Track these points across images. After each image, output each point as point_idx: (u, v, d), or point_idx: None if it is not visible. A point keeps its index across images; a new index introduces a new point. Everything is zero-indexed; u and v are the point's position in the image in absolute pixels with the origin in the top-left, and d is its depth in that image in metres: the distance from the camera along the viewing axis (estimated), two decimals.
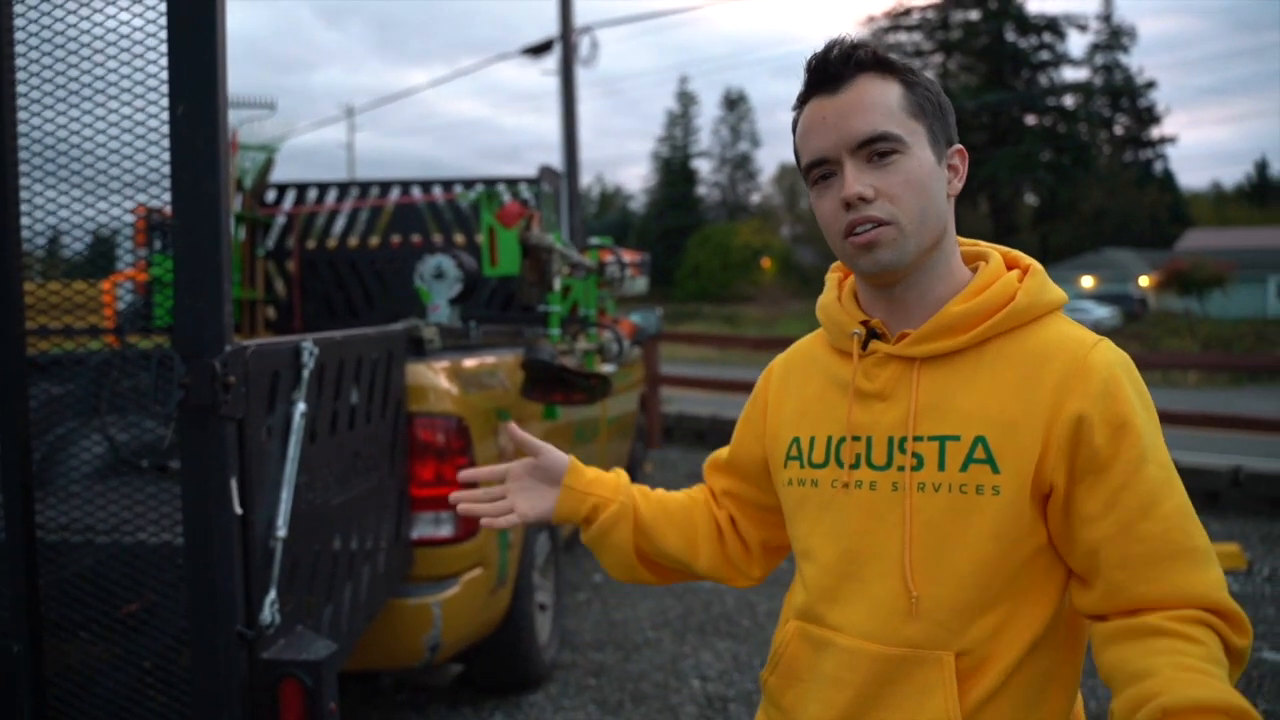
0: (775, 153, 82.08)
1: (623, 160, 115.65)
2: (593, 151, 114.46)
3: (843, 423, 1.32)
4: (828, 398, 1.37)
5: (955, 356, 1.27)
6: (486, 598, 3.39)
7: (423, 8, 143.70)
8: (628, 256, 4.97)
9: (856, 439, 1.31)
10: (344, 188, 5.99)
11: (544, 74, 18.55)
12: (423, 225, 5.85)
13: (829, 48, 1.28)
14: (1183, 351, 26.49)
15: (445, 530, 3.15)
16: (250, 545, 2.06)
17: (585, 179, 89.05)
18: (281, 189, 5.99)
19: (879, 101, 1.25)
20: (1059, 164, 52.36)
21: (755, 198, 79.89)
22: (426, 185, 5.92)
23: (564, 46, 17.58)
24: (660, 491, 1.60)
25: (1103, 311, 39.54)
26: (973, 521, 1.22)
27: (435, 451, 3.11)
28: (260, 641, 2.08)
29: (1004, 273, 1.31)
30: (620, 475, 1.58)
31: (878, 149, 1.24)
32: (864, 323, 1.34)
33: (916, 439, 1.26)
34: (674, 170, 76.46)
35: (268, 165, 5.83)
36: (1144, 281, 46.33)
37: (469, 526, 3.20)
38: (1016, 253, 1.36)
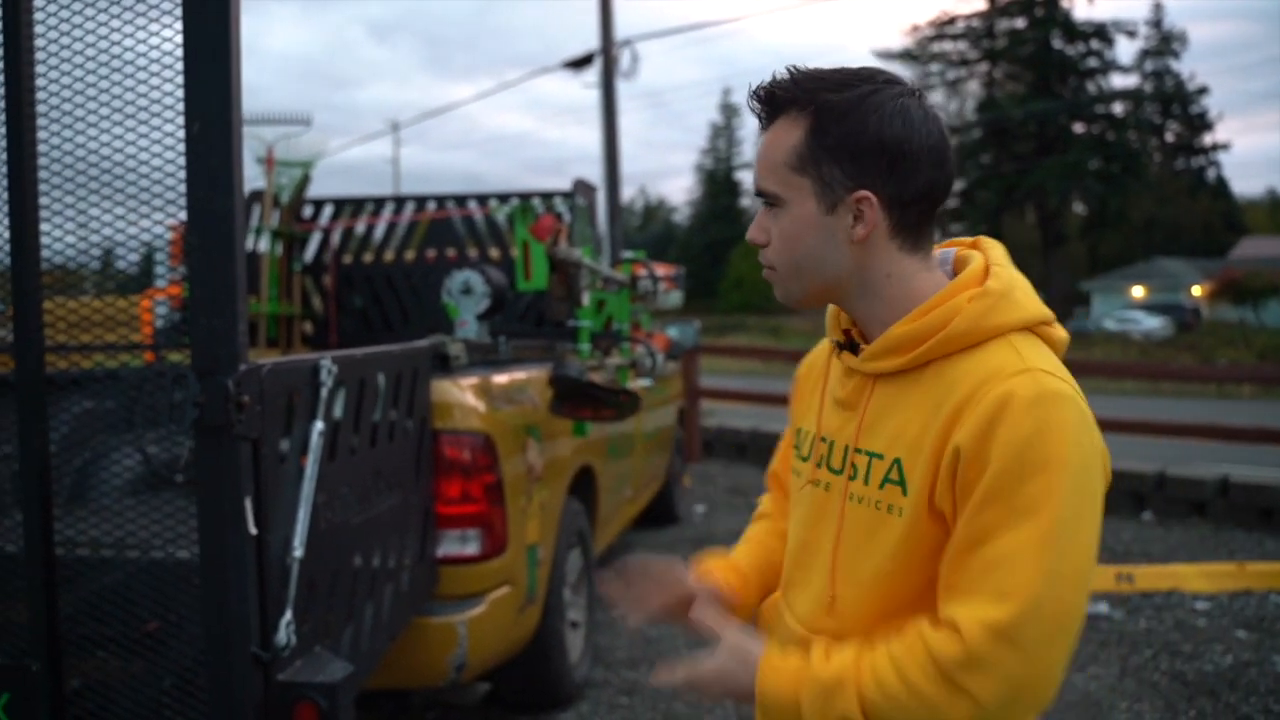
0: None
1: (666, 173, 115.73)
2: (636, 164, 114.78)
3: (818, 424, 1.41)
4: (818, 396, 1.45)
5: (904, 375, 1.28)
6: (515, 616, 3.36)
7: (469, 24, 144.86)
8: (661, 270, 4.93)
9: (824, 440, 1.39)
10: (380, 202, 6.02)
11: (585, 87, 18.49)
12: (458, 240, 5.86)
13: (754, 88, 1.31)
14: (1238, 363, 25.95)
15: (471, 548, 3.12)
16: (266, 566, 2.04)
17: (628, 191, 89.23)
18: (318, 204, 6.03)
19: (771, 155, 1.30)
20: (1108, 172, 51.50)
21: None
22: (462, 199, 5.93)
23: (604, 59, 17.62)
24: (742, 555, 1.64)
25: (1154, 322, 38.90)
26: (880, 537, 1.27)
27: (461, 469, 3.08)
28: (276, 663, 2.06)
29: (962, 290, 1.27)
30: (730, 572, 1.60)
31: (766, 200, 1.31)
32: (847, 331, 1.39)
33: (857, 451, 1.31)
34: (717, 182, 76.38)
35: (304, 181, 5.87)
36: (1197, 291, 45.54)
37: (496, 544, 3.17)
38: (996, 267, 1.31)
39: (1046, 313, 1.28)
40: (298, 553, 2.13)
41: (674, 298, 4.92)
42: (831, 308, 1.41)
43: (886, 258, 1.28)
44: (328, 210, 6.05)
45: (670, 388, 7.40)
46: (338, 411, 2.38)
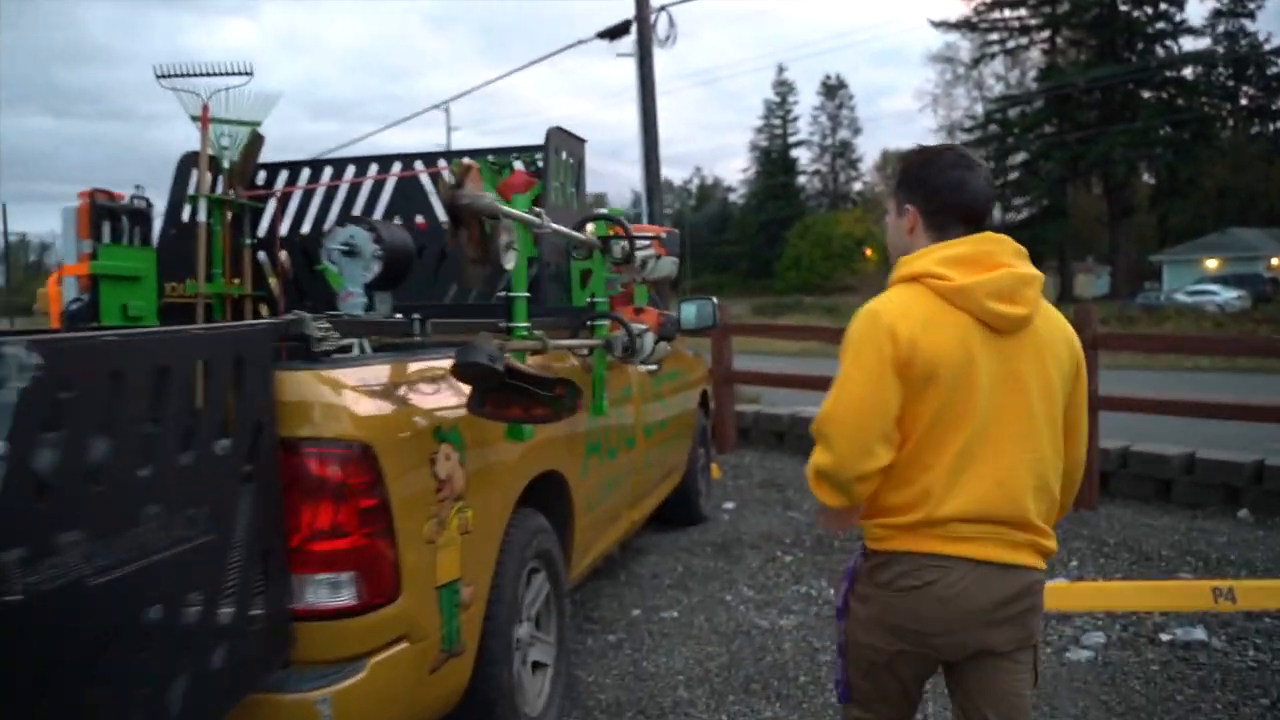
0: (877, 140, 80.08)
1: (722, 154, 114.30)
2: (691, 146, 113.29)
3: None
4: None
5: None
6: (419, 678, 2.55)
7: (525, 10, 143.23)
8: (650, 232, 4.09)
9: None
10: (340, 164, 5.23)
11: (619, 56, 17.58)
12: (426, 204, 5.06)
13: None
14: None
15: (345, 597, 2.30)
16: None
17: (683, 173, 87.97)
18: (271, 169, 5.26)
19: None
20: (1178, 140, 49.44)
21: (857, 186, 78.16)
22: (430, 158, 5.13)
23: (639, 26, 16.71)
24: None
25: (1229, 294, 37.21)
26: None
27: (327, 490, 2.27)
28: None
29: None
30: None
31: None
32: None
33: None
34: (773, 160, 75.27)
35: (254, 142, 5.10)
36: (1275, 261, 43.59)
37: (381, 588, 2.36)
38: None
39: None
40: None
41: (666, 265, 4.07)
42: None
43: (923, 242, 2.17)
44: (283, 176, 5.27)
45: (691, 371, 6.56)
46: (50, 422, 1.57)
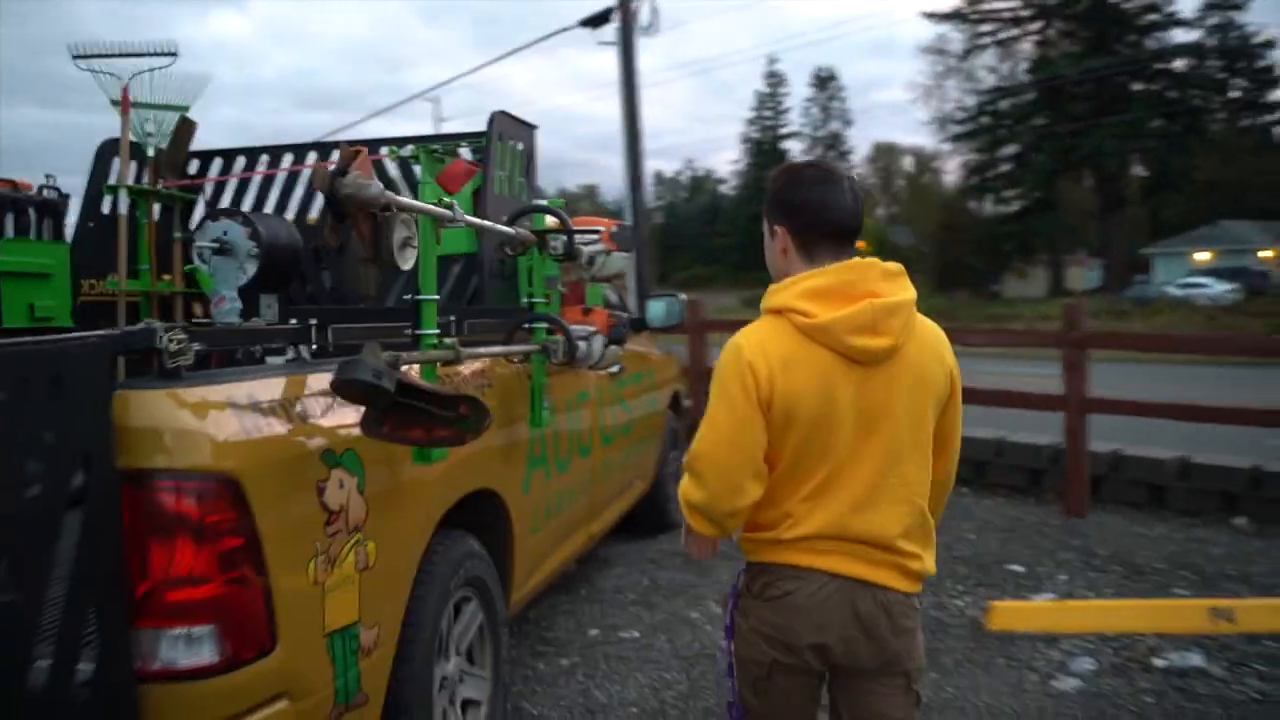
0: (868, 132, 79.58)
1: (715, 146, 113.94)
2: (684, 138, 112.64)
3: None
4: None
5: None
6: None
7: (519, 2, 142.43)
8: (599, 225, 3.76)
9: None
10: (276, 152, 4.88)
11: (600, 44, 17.18)
12: None
13: None
14: None
15: (205, 653, 1.95)
16: None
17: (675, 165, 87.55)
18: (204, 157, 4.90)
19: None
20: (1170, 132, 49.07)
21: None
22: (375, 145, 4.77)
23: (622, 14, 16.33)
24: None
25: (1221, 287, 36.93)
26: None
27: (181, 530, 1.92)
28: None
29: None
30: None
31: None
32: None
33: None
34: (764, 151, 74.85)
35: (184, 129, 4.74)
36: (1265, 254, 43.37)
37: (250, 641, 2.02)
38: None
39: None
40: None
41: (616, 261, 3.73)
42: None
43: (796, 263, 2.14)
44: (217, 165, 4.92)
45: (660, 371, 6.22)
46: None
